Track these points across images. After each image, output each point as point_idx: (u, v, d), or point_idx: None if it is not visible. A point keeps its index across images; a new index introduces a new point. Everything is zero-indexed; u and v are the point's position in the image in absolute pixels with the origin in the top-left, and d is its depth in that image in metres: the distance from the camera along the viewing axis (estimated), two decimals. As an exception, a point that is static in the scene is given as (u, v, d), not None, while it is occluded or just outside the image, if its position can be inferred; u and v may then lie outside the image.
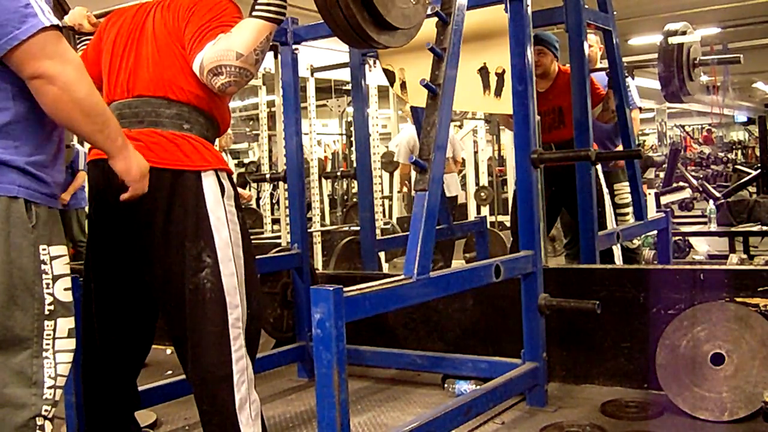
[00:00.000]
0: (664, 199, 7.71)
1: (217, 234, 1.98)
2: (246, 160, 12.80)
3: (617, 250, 4.15)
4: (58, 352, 1.62)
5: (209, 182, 2.00)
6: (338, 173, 8.47)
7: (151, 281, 2.07)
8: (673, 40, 4.13)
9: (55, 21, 1.57)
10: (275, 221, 6.36)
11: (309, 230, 4.49)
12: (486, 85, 3.27)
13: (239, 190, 2.49)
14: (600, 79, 4.46)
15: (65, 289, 1.64)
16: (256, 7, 1.97)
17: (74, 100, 1.57)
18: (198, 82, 2.02)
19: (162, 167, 1.96)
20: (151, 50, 2.07)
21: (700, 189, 8.55)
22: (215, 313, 1.97)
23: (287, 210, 3.67)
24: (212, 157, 2.04)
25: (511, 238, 4.50)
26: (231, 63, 1.91)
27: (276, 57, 3.65)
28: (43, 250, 1.60)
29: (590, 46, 4.24)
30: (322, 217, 7.22)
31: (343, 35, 1.87)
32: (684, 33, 4.07)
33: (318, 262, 5.14)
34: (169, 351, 3.98)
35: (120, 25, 2.18)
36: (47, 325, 1.60)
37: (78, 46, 2.46)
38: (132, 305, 2.17)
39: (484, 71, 3.26)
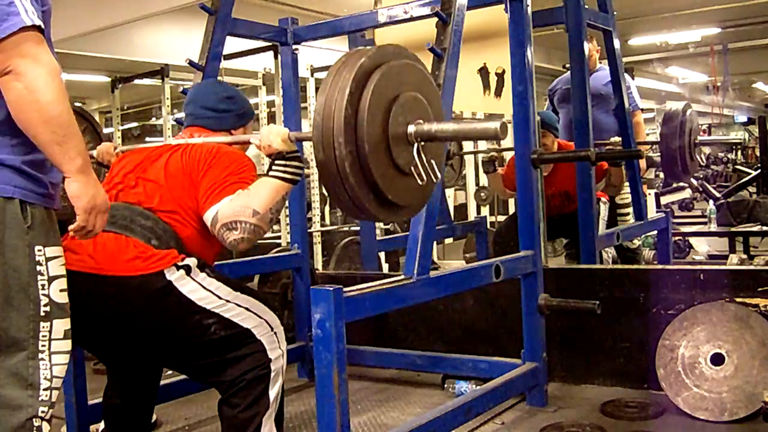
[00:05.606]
0: (664, 199, 7.68)
1: (206, 305, 1.97)
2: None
3: (606, 254, 4.15)
4: (54, 354, 1.62)
5: (174, 275, 1.94)
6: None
7: (166, 364, 2.22)
8: (674, 108, 4.09)
9: (38, 22, 1.53)
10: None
11: (309, 230, 4.48)
12: (486, 85, 3.27)
13: None
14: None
15: (61, 291, 1.63)
16: (274, 167, 1.99)
17: (36, 102, 1.51)
18: (191, 220, 2.03)
19: (127, 275, 1.92)
20: (157, 176, 2.07)
21: (700, 189, 8.52)
22: (243, 343, 1.99)
23: (287, 210, 3.67)
24: (170, 255, 1.98)
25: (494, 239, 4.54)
26: (247, 220, 1.92)
27: (276, 57, 3.65)
28: (39, 251, 1.59)
29: (590, 56, 4.23)
30: (322, 217, 7.19)
31: (349, 213, 1.91)
32: (685, 112, 4.04)
33: (318, 262, 5.13)
34: (169, 351, 3.98)
35: (132, 157, 2.20)
36: (43, 327, 1.60)
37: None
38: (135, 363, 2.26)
39: (484, 71, 3.26)
